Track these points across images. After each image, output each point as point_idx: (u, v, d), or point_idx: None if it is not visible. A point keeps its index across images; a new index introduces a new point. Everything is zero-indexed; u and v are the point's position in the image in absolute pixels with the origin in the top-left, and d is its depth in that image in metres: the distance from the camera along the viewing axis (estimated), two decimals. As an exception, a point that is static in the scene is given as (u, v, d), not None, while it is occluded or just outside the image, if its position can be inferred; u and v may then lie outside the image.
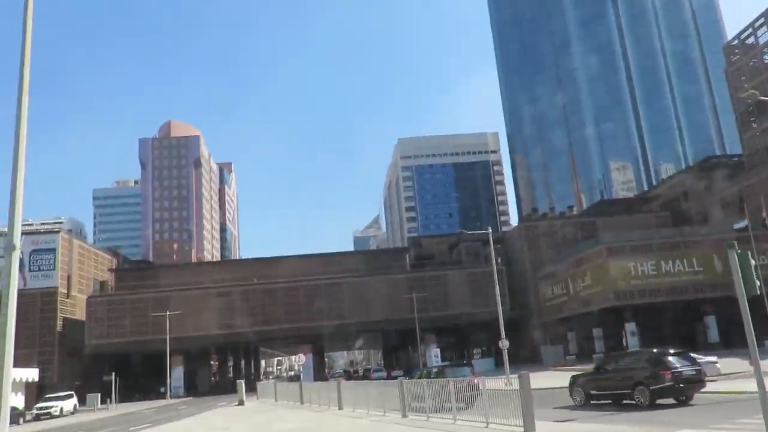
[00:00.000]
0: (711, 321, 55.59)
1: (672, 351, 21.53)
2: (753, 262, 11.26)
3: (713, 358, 27.77)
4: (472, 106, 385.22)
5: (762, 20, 68.31)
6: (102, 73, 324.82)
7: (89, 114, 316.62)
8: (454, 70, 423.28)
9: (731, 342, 50.80)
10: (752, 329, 10.98)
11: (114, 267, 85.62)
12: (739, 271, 11.03)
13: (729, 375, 28.42)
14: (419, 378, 24.60)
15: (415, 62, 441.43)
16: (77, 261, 75.67)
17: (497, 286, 41.34)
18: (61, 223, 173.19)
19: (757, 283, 11.13)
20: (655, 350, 22.41)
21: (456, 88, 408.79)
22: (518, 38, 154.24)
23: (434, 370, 26.88)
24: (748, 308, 10.92)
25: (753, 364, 11.05)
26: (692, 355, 28.31)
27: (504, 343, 38.11)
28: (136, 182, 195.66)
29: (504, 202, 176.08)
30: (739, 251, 11.22)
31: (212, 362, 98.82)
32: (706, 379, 25.73)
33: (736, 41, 74.30)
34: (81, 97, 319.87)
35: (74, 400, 50.63)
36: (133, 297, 74.20)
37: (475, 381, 17.36)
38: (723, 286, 52.01)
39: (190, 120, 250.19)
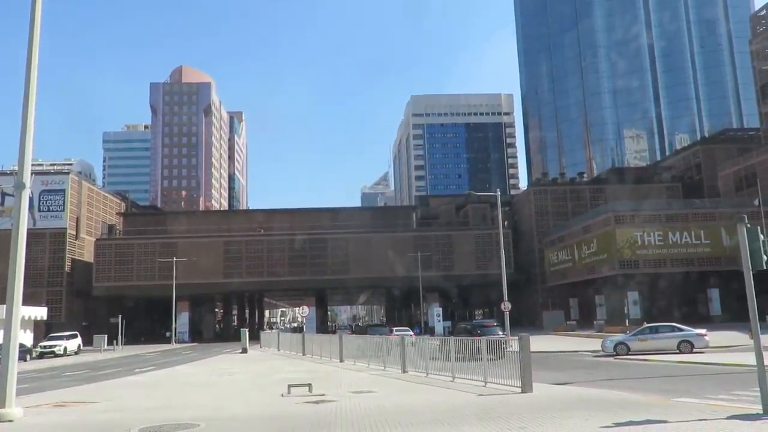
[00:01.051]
0: (714, 294, 55.72)
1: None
2: (762, 237, 11.17)
3: (702, 331, 28.09)
4: (488, 66, 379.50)
5: (792, -10, 66.36)
6: (115, 17, 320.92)
7: (101, 58, 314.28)
8: (473, 30, 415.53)
9: (733, 315, 51.02)
10: (755, 303, 10.98)
11: (122, 211, 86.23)
12: (747, 245, 10.96)
13: (718, 348, 28.63)
14: (459, 332, 28.98)
15: (434, 20, 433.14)
16: (86, 203, 76.20)
17: (502, 249, 41.41)
18: (71, 164, 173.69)
19: (765, 258, 11.07)
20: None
21: (474, 49, 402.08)
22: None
23: (468, 326, 32.04)
24: (752, 282, 10.90)
25: (753, 336, 11.09)
26: (678, 326, 28.86)
27: (506, 306, 38.40)
28: (146, 127, 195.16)
29: (514, 165, 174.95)
30: (748, 225, 11.12)
31: (217, 310, 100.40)
32: (695, 350, 26.72)
33: (763, 12, 72.27)
34: (93, 41, 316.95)
35: (78, 340, 51.31)
36: (140, 242, 74.93)
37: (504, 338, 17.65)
38: (728, 259, 52.04)
39: (202, 67, 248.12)
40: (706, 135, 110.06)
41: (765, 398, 10.41)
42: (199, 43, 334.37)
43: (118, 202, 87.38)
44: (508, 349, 16.29)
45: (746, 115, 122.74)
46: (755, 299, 11.02)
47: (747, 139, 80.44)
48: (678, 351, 27.20)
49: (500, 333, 29.37)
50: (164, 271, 70.22)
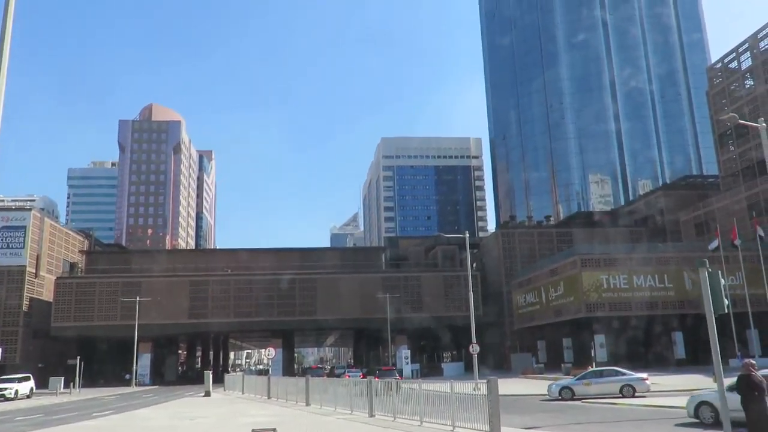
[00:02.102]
0: (678, 337, 56.44)
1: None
2: (723, 281, 11.43)
3: (644, 375, 28.60)
4: (458, 110, 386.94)
5: (746, 45, 69.53)
6: (86, 53, 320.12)
7: (71, 93, 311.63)
8: (444, 75, 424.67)
9: (698, 359, 51.69)
10: (718, 346, 11.15)
11: (85, 249, 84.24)
12: (709, 289, 11.19)
13: (682, 391, 28.88)
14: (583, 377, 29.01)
15: (404, 64, 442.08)
16: (48, 241, 74.35)
17: (471, 291, 41.49)
18: (33, 201, 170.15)
19: (726, 302, 11.30)
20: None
21: (445, 92, 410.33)
22: (507, 47, 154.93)
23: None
24: (715, 326, 11.08)
25: (717, 380, 11.22)
26: (621, 370, 29.44)
27: (474, 348, 38.26)
28: (113, 164, 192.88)
29: (483, 208, 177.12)
30: (710, 269, 11.37)
31: (180, 351, 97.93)
32: (637, 394, 27.09)
33: (719, 64, 75.49)
34: (63, 76, 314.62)
35: (31, 383, 48.95)
36: (103, 280, 73.11)
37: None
38: (692, 303, 52.96)
39: (172, 105, 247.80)
40: (668, 181, 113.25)
41: (730, 442, 10.48)
42: (170, 82, 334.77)
43: (82, 239, 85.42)
44: (475, 393, 16.17)
45: (705, 162, 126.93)
46: (718, 343, 11.20)
47: (707, 186, 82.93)
48: (621, 395, 27.36)
49: (396, 377, 32.77)
50: (127, 311, 68.46)
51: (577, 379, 29.40)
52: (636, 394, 27.24)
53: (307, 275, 76.39)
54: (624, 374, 28.72)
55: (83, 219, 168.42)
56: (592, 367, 34.98)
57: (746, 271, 52.30)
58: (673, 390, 29.68)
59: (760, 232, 50.45)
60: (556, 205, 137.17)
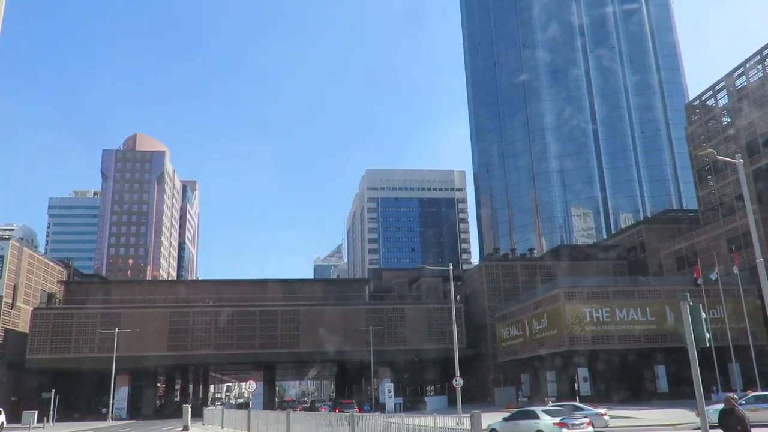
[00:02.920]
0: (661, 370, 56.45)
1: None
2: (704, 314, 11.50)
3: (602, 411, 28.45)
4: (442, 144, 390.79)
5: (722, 84, 71.32)
6: (72, 82, 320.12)
7: (54, 122, 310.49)
8: (427, 110, 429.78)
9: (680, 392, 51.62)
10: (700, 381, 11.15)
11: (65, 279, 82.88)
12: (691, 322, 11.24)
13: (668, 426, 28.75)
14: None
15: (389, 98, 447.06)
16: (26, 270, 73.07)
17: (455, 324, 41.36)
18: (12, 230, 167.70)
19: (707, 335, 11.35)
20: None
21: (428, 127, 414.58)
22: (491, 82, 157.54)
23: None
24: (697, 359, 11.11)
25: (699, 414, 11.20)
26: (580, 405, 29.02)
27: (458, 382, 37.95)
28: (95, 193, 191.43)
29: (466, 240, 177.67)
30: (691, 303, 11.45)
31: (159, 384, 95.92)
32: (595, 430, 25.86)
33: (697, 102, 77.23)
34: (47, 104, 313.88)
35: (2, 417, 47.51)
36: (81, 311, 71.79)
37: None
38: (674, 336, 53.14)
39: (157, 135, 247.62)
40: (648, 215, 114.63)
41: (713, 477, 10.42)
42: (155, 111, 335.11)
43: (61, 269, 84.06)
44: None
45: (685, 197, 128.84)
46: (700, 376, 11.21)
47: (687, 220, 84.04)
48: None
49: (355, 409, 33.83)
50: (105, 343, 67.15)
51: None
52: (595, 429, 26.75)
53: (289, 307, 75.69)
54: (582, 409, 28.68)
55: (63, 249, 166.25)
56: (551, 402, 34.66)
57: (727, 305, 52.76)
58: (671, 424, 29.53)
59: (737, 267, 51.04)
60: (539, 238, 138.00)
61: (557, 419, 24.79)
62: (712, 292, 53.57)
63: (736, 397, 11.29)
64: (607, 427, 27.43)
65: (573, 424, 24.05)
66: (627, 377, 58.36)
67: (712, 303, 52.99)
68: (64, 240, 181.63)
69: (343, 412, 37.32)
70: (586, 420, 24.92)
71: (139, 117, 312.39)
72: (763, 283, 21.89)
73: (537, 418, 25.21)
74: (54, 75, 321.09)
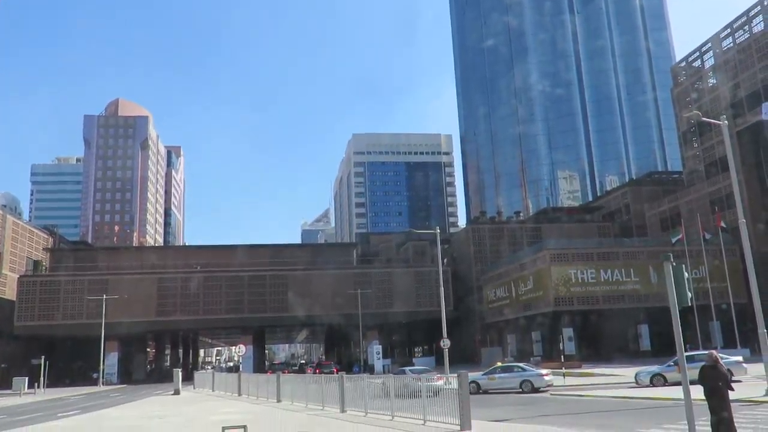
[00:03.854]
0: (644, 329, 57.61)
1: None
2: (686, 274, 11.67)
3: (544, 371, 30.29)
4: (429, 108, 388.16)
5: (709, 45, 71.09)
6: (51, 47, 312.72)
7: (33, 87, 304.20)
8: (413, 72, 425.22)
9: (662, 350, 52.75)
10: (682, 338, 11.39)
11: (50, 246, 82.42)
12: (673, 282, 11.41)
13: (561, 386, 30.11)
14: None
15: (376, 62, 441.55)
16: (10, 238, 72.54)
17: (442, 286, 41.73)
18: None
19: (689, 295, 11.54)
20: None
21: (415, 91, 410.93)
22: (477, 44, 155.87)
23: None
24: (679, 319, 11.32)
25: (681, 371, 11.47)
26: (522, 366, 31.71)
27: (445, 343, 38.51)
28: (78, 160, 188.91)
29: (453, 204, 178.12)
30: (674, 263, 11.60)
31: (149, 349, 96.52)
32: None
33: (683, 63, 77.06)
34: (26, 69, 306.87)
35: None
36: (68, 278, 71.64)
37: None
38: (657, 296, 54.08)
39: (139, 100, 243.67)
40: (634, 177, 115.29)
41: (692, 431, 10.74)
42: (137, 76, 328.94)
43: (46, 237, 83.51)
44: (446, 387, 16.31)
45: (670, 158, 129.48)
46: (682, 334, 11.44)
47: (671, 182, 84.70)
48: (520, 389, 29.18)
49: (333, 370, 38.47)
50: (93, 310, 67.19)
51: (484, 374, 31.56)
52: (535, 388, 28.94)
53: (278, 272, 75.95)
54: (525, 370, 30.49)
55: (48, 216, 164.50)
56: (507, 360, 36.47)
57: (709, 265, 53.66)
58: (598, 383, 31.25)
59: (720, 227, 51.76)
60: (525, 201, 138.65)
61: (543, 371, 30.23)
62: (695, 253, 54.39)
63: (718, 354, 11.56)
64: (549, 386, 29.10)
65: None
66: (611, 337, 59.50)
67: (694, 263, 53.84)
68: (48, 207, 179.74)
69: (322, 373, 40.68)
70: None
71: (121, 82, 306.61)
72: (744, 243, 22.24)
73: (524, 370, 30.66)
74: (32, 40, 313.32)
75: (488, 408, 21.18)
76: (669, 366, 27.66)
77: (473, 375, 30.89)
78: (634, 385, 28.37)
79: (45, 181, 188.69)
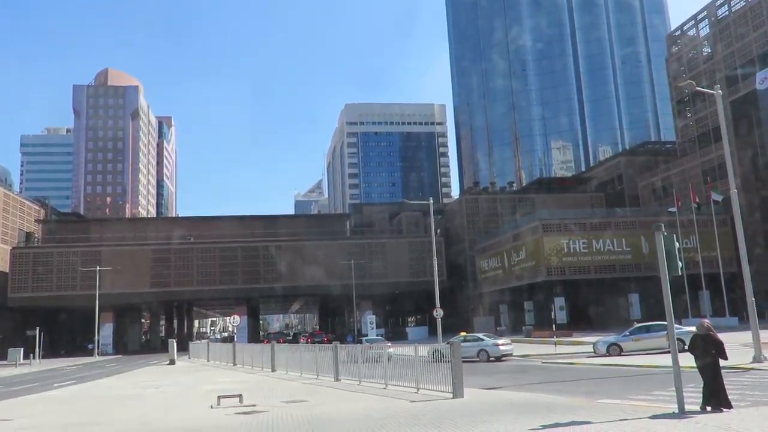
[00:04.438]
0: (634, 298, 58.22)
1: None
2: (677, 244, 11.77)
3: (501, 341, 31.36)
4: (422, 78, 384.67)
5: (704, 13, 70.51)
6: (39, 15, 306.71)
7: (21, 57, 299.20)
8: (407, 43, 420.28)
9: (652, 319, 53.37)
10: (671, 307, 11.53)
11: (42, 218, 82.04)
12: (664, 252, 11.51)
13: (637, 352, 29.98)
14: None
15: (369, 31, 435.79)
16: (1, 210, 72.13)
17: (435, 257, 41.93)
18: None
19: (680, 264, 11.65)
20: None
21: (409, 60, 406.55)
22: (472, 12, 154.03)
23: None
24: (669, 288, 11.44)
25: (669, 339, 11.65)
26: (480, 336, 32.46)
27: (438, 313, 38.82)
28: (68, 131, 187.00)
29: (447, 174, 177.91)
30: (665, 233, 11.68)
31: (143, 320, 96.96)
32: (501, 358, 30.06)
33: (678, 32, 76.48)
34: (12, 38, 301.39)
35: None
36: (61, 250, 71.53)
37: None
38: (647, 266, 54.57)
39: (129, 70, 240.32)
40: (627, 147, 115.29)
41: (680, 398, 10.95)
42: (127, 46, 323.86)
43: (37, 208, 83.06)
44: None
45: (663, 128, 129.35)
46: (672, 303, 11.57)
47: (664, 152, 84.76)
48: (477, 359, 29.86)
49: (324, 339, 41.07)
50: (87, 281, 67.25)
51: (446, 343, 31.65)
52: (490, 358, 29.86)
53: (271, 242, 76.04)
54: (482, 340, 31.26)
55: (38, 188, 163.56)
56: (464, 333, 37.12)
57: (700, 235, 54.08)
58: (640, 349, 30.71)
59: (715, 197, 52.02)
60: (518, 171, 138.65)
61: (499, 340, 31.70)
62: (687, 222, 54.74)
63: (709, 323, 11.72)
64: (506, 355, 30.35)
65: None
66: (602, 306, 60.17)
67: (685, 233, 54.24)
68: (38, 179, 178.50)
69: (313, 342, 42.97)
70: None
71: (109, 52, 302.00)
72: (735, 213, 22.38)
73: (481, 340, 31.44)
74: (20, 9, 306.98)
75: (480, 376, 21.48)
76: (625, 336, 28.61)
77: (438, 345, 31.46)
78: (624, 352, 28.80)
79: (35, 152, 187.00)
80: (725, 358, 11.18)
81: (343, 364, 21.41)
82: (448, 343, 31.13)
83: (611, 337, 29.65)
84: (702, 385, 11.27)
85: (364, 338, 39.70)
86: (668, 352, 26.40)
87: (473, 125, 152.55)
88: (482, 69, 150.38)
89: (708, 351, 11.14)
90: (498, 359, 30.01)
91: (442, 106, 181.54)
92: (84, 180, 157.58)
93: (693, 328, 27.96)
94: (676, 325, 28.38)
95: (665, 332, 26.89)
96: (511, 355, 30.70)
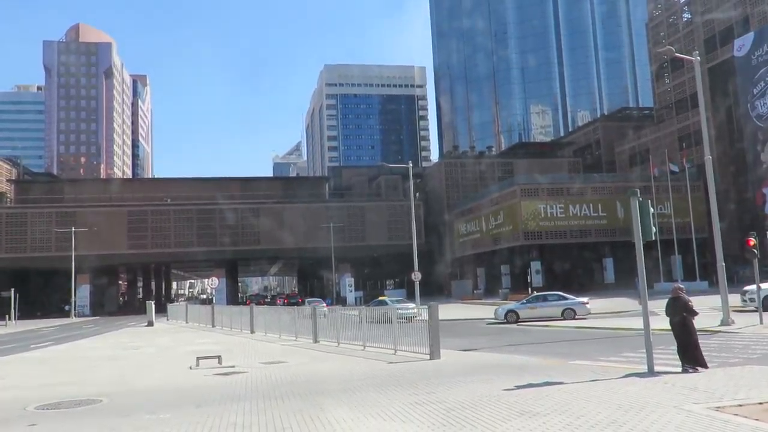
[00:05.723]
0: (608, 263, 59.31)
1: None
2: (651, 210, 11.97)
3: (411, 305, 31.43)
4: (403, 39, 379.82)
5: (685, -23, 70.17)
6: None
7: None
8: (388, 2, 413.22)
9: (625, 283, 54.62)
10: (644, 272, 11.79)
11: (14, 178, 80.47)
12: (639, 217, 11.70)
13: (610, 314, 30.66)
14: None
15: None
16: (-28, 169, 70.57)
17: (413, 220, 42.12)
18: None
19: (653, 229, 11.87)
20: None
21: (388, 22, 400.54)
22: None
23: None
24: (642, 252, 11.68)
25: (641, 302, 11.94)
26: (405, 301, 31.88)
27: (416, 275, 39.19)
28: (39, 88, 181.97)
29: (426, 138, 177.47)
30: (640, 199, 11.86)
31: (121, 282, 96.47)
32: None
33: (659, -4, 76.14)
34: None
35: None
36: (35, 210, 70.42)
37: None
38: (622, 231, 55.45)
39: (101, 26, 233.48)
40: (606, 112, 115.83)
41: (650, 359, 11.29)
42: (98, 0, 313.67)
43: (9, 168, 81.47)
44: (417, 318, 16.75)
45: (642, 95, 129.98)
46: (644, 268, 11.83)
47: (642, 118, 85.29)
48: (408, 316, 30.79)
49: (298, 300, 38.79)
50: (62, 242, 66.46)
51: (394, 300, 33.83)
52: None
53: (249, 205, 75.66)
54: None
55: (9, 147, 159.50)
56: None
57: (674, 201, 54.97)
58: (614, 312, 31.68)
59: (672, 167, 53.15)
60: (498, 136, 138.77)
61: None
62: (662, 189, 55.52)
63: (683, 287, 12.13)
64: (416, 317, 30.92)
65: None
66: (577, 269, 61.21)
67: (660, 199, 55.04)
68: (9, 138, 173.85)
69: (290, 304, 43.60)
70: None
71: (81, 6, 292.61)
72: (709, 180, 22.74)
73: (406, 304, 32.06)
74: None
75: (458, 338, 21.85)
76: (522, 303, 30.12)
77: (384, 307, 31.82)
78: (597, 314, 29.50)
79: (5, 110, 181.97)
80: (694, 314, 11.58)
81: (322, 326, 21.61)
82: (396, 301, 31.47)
83: (511, 304, 31.13)
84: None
85: (387, 299, 38.54)
86: (557, 320, 27.70)
87: (453, 88, 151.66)
88: (463, 31, 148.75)
89: (677, 311, 11.55)
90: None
91: (422, 68, 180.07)
92: (57, 139, 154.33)
93: (585, 299, 29.39)
94: (569, 296, 29.95)
95: (559, 302, 29.39)
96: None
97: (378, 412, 8.81)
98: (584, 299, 30.00)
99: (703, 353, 11.57)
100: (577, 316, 28.55)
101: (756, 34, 56.44)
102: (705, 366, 11.26)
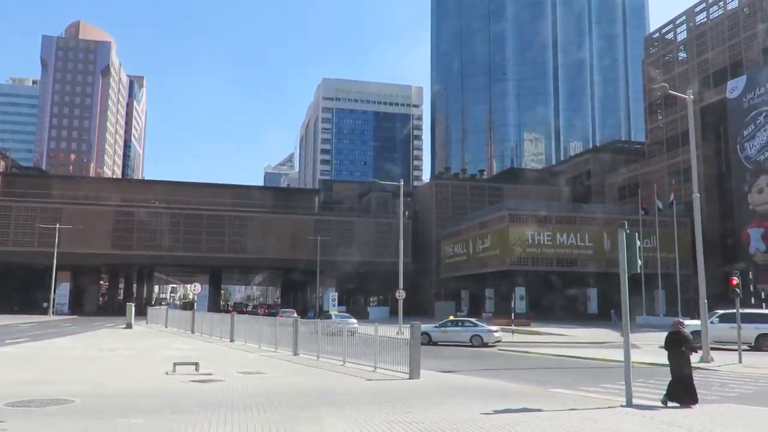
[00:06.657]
0: (592, 293, 59.50)
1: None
2: (638, 242, 12.05)
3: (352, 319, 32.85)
4: (402, 59, 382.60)
5: (683, 18, 71.46)
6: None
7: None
8: (390, 20, 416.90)
9: (608, 314, 54.80)
10: (627, 304, 11.83)
11: (2, 170, 79.71)
12: (625, 249, 11.77)
13: (594, 344, 30.67)
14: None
15: (352, 7, 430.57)
16: (-40, 159, 69.84)
17: (401, 238, 42.07)
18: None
19: (639, 262, 11.94)
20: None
21: (390, 39, 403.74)
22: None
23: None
24: (627, 285, 11.73)
25: (624, 335, 11.96)
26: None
27: (400, 294, 39.05)
28: (34, 82, 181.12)
29: (419, 157, 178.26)
30: (628, 231, 11.95)
31: (102, 282, 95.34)
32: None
33: (656, 34, 77.43)
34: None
35: None
36: (20, 204, 69.69)
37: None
38: (608, 262, 55.75)
39: (102, 25, 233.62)
40: (598, 144, 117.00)
41: (629, 391, 11.30)
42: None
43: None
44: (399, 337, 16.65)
45: (634, 129, 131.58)
46: (628, 300, 11.88)
47: (633, 152, 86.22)
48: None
49: (279, 315, 39.10)
50: (45, 238, 65.70)
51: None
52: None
53: (238, 212, 75.35)
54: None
55: (0, 139, 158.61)
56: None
57: (660, 236, 55.39)
58: (596, 342, 31.56)
59: (659, 204, 53.74)
60: (490, 160, 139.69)
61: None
62: (648, 223, 55.98)
63: (683, 321, 12.21)
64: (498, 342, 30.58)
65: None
66: (561, 298, 61.31)
67: (646, 233, 55.47)
68: (1, 130, 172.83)
69: (270, 314, 43.38)
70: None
71: (83, 3, 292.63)
72: (696, 217, 22.95)
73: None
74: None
75: (438, 360, 21.77)
76: (436, 327, 31.21)
77: (352, 322, 31.69)
78: (578, 344, 29.49)
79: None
80: (693, 350, 11.64)
81: (303, 339, 21.44)
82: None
83: (428, 326, 31.40)
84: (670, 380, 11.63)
85: (332, 314, 40.44)
86: (467, 346, 27.89)
87: (449, 110, 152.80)
88: (462, 54, 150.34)
89: (678, 347, 11.55)
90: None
91: (419, 88, 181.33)
92: (48, 135, 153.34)
93: (496, 328, 30.01)
94: (481, 324, 30.50)
95: (470, 328, 30.50)
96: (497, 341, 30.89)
97: (354, 428, 8.72)
98: (494, 327, 31.05)
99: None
100: (484, 343, 29.29)
101: (748, 77, 57.46)
102: (695, 400, 11.26)
